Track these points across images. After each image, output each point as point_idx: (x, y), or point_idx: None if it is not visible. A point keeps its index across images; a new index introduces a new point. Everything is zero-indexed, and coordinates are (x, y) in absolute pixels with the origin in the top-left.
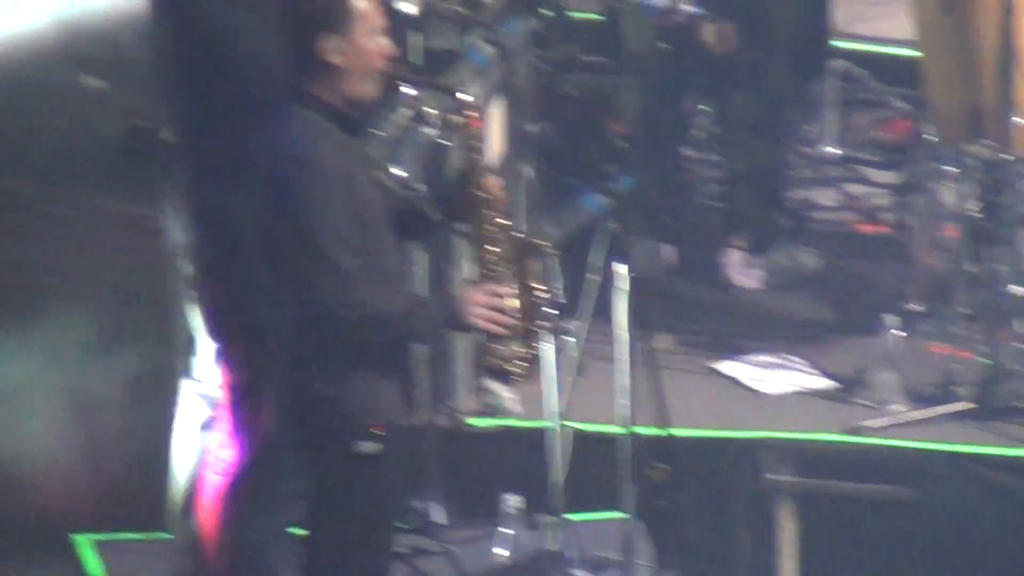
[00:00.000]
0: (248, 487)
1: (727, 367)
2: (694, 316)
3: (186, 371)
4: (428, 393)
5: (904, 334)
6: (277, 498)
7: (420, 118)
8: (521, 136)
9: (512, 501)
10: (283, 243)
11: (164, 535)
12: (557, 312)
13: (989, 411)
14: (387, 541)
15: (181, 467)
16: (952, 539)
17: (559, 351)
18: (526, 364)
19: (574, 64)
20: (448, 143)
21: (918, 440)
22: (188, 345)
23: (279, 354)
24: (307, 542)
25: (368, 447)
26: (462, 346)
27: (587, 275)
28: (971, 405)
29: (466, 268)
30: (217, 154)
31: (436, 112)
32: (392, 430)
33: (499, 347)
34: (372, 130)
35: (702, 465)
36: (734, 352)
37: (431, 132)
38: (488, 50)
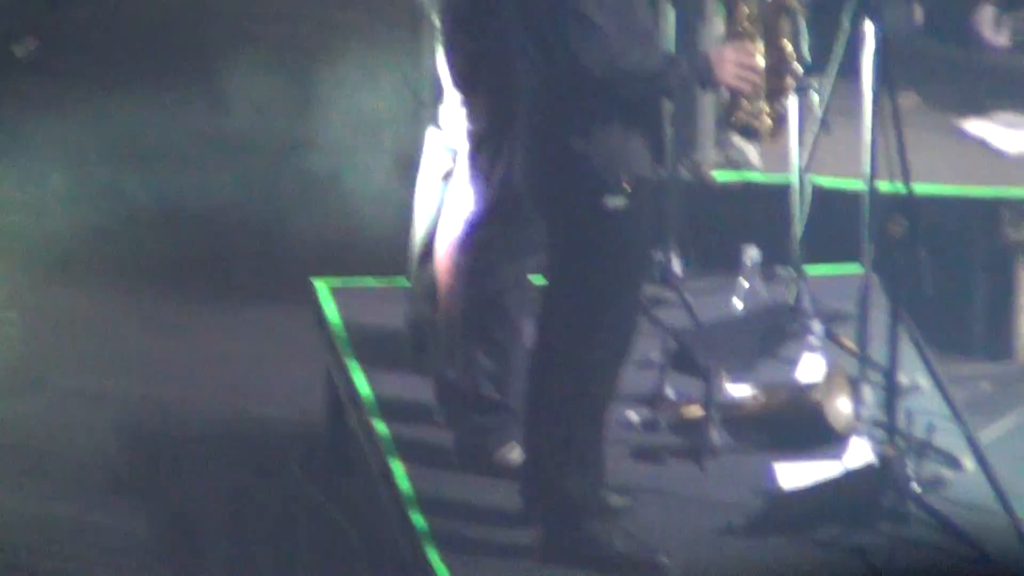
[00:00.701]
0: (488, 235)
1: (972, 126)
2: (941, 75)
3: (431, 120)
4: (673, 147)
5: None
6: (517, 247)
7: None
8: None
9: (751, 253)
10: None
11: (402, 282)
12: (804, 70)
13: None
14: (631, 293)
15: (421, 215)
16: None
17: (804, 107)
18: (772, 121)
19: None
20: None
21: None
22: (434, 94)
23: (526, 107)
24: (548, 292)
25: (616, 201)
26: (708, 102)
27: (836, 33)
28: None
29: (717, 25)
30: None
31: None
32: (640, 184)
33: (746, 103)
34: None
35: (942, 221)
36: (980, 111)
37: None
38: None
